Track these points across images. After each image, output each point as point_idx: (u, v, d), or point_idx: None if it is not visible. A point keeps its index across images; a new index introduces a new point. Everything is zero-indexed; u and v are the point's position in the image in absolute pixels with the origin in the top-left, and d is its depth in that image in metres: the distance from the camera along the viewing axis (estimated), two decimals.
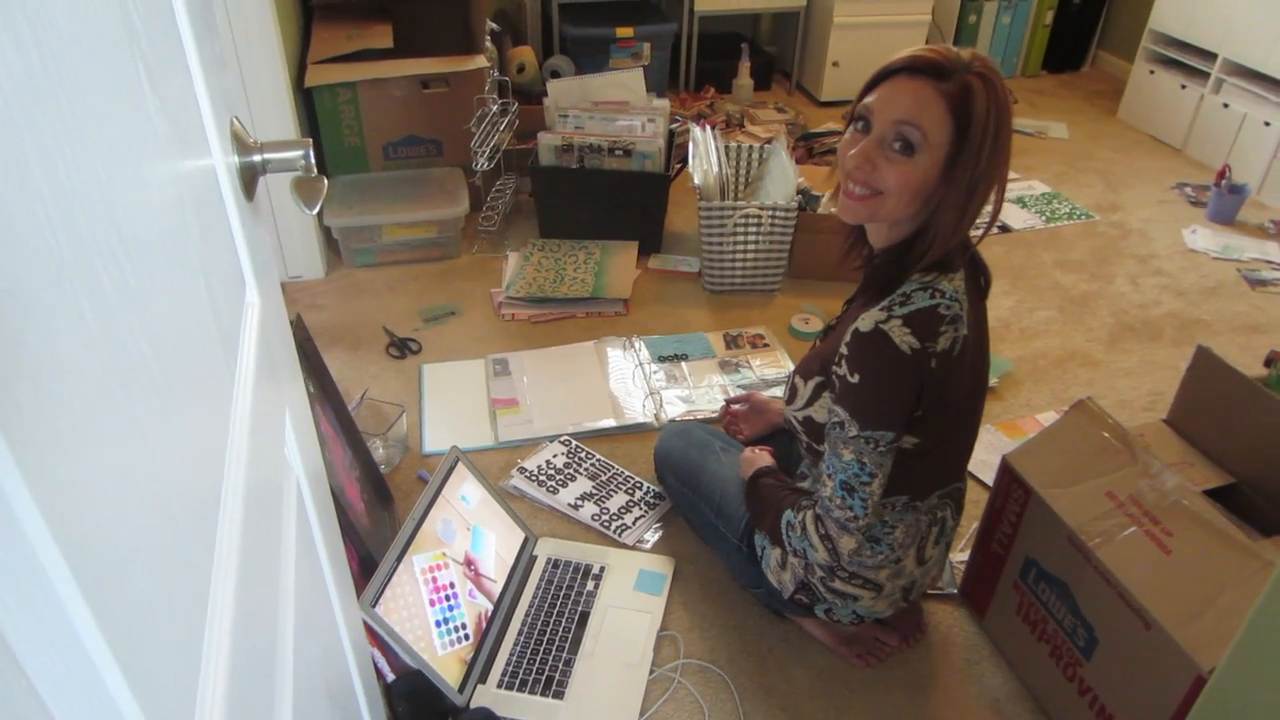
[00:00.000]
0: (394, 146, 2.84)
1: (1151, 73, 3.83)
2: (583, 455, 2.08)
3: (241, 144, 0.81)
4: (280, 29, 2.38)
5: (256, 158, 0.82)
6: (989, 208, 1.26)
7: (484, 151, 2.63)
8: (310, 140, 0.84)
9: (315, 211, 0.82)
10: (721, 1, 3.73)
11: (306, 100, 2.71)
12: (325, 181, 0.82)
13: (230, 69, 2.30)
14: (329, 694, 0.90)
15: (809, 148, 3.46)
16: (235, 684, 0.52)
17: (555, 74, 3.43)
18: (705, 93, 3.86)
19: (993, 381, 2.31)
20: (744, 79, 3.80)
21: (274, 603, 0.69)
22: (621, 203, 2.74)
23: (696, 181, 2.54)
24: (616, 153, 2.67)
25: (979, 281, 1.38)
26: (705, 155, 2.61)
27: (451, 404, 2.23)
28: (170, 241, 0.55)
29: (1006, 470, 1.55)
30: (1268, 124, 3.35)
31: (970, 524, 1.86)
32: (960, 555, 1.82)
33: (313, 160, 0.83)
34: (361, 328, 2.49)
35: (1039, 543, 1.50)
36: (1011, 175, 3.19)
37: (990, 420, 2.20)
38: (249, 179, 0.82)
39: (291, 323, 1.67)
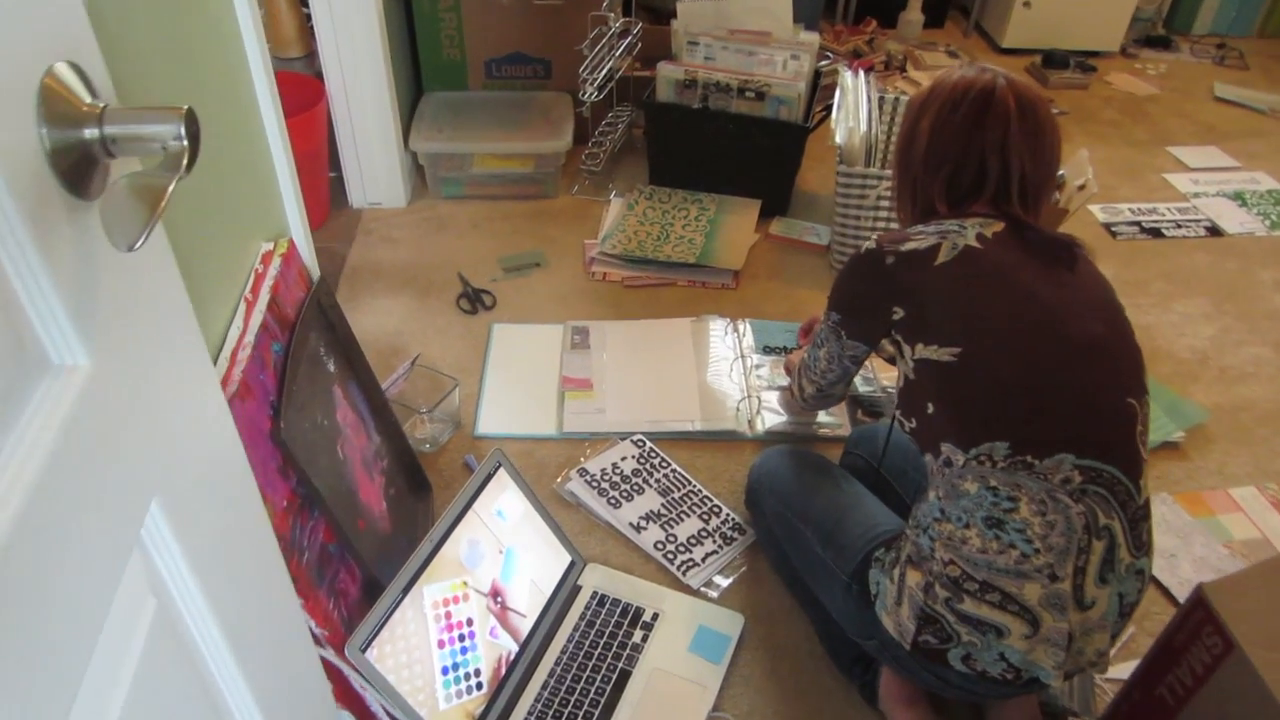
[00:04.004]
0: (497, 64, 2.51)
1: None
2: (656, 462, 1.76)
3: (62, 108, 0.49)
4: None
5: (92, 132, 0.51)
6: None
7: (594, 80, 2.27)
8: (188, 109, 0.51)
9: (127, 249, 0.50)
10: None
11: (404, 3, 2.40)
12: (168, 190, 0.49)
13: None
14: None
15: None
16: None
17: None
18: (866, 25, 3.34)
19: (1178, 434, 1.85)
20: (913, 13, 3.26)
21: None
22: (747, 153, 2.34)
23: (839, 140, 2.11)
24: (748, 94, 2.26)
25: (1032, 239, 1.25)
26: (854, 108, 2.17)
27: (517, 378, 1.93)
28: None
29: (1201, 604, 1.14)
30: None
31: (1141, 639, 1.45)
32: (1113, 673, 1.43)
33: (186, 142, 0.51)
34: (435, 271, 2.21)
35: (1233, 715, 1.10)
36: (1232, 164, 2.65)
37: (1168, 486, 1.75)
38: (78, 167, 0.51)
39: (314, 284, 1.39)
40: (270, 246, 1.27)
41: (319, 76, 2.21)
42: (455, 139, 2.34)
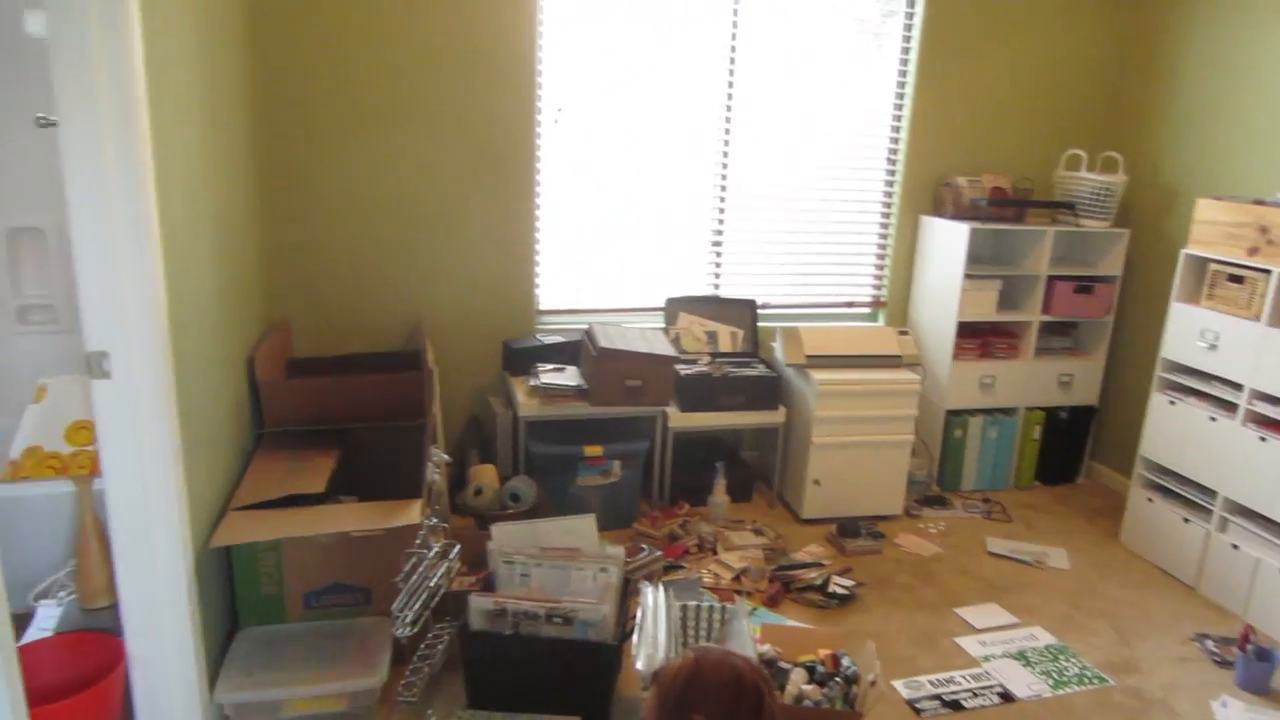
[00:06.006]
0: (317, 595, 2.59)
1: (1150, 500, 3.63)
2: None
3: None
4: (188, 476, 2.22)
5: None
6: None
7: (408, 615, 2.36)
8: None
9: None
10: (697, 419, 3.66)
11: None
12: None
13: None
14: None
15: (786, 582, 3.19)
16: None
17: (515, 497, 3.27)
18: (679, 509, 3.67)
19: None
20: (719, 495, 3.62)
21: None
22: (562, 673, 2.41)
23: (639, 666, 2.22)
24: (555, 620, 2.40)
25: None
26: (654, 628, 2.32)
27: None
28: None
29: None
30: None
31: None
32: None
33: None
34: None
35: None
36: (1012, 621, 2.91)
37: None
38: None
39: None
40: None
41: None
42: (265, 683, 2.33)
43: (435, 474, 2.90)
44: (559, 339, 3.78)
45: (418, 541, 2.50)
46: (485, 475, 3.29)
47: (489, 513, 3.19)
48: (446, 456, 3.00)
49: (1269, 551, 3.17)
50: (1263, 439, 3.17)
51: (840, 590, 3.13)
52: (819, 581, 3.16)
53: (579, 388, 3.48)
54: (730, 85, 3.86)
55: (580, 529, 2.71)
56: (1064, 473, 4.35)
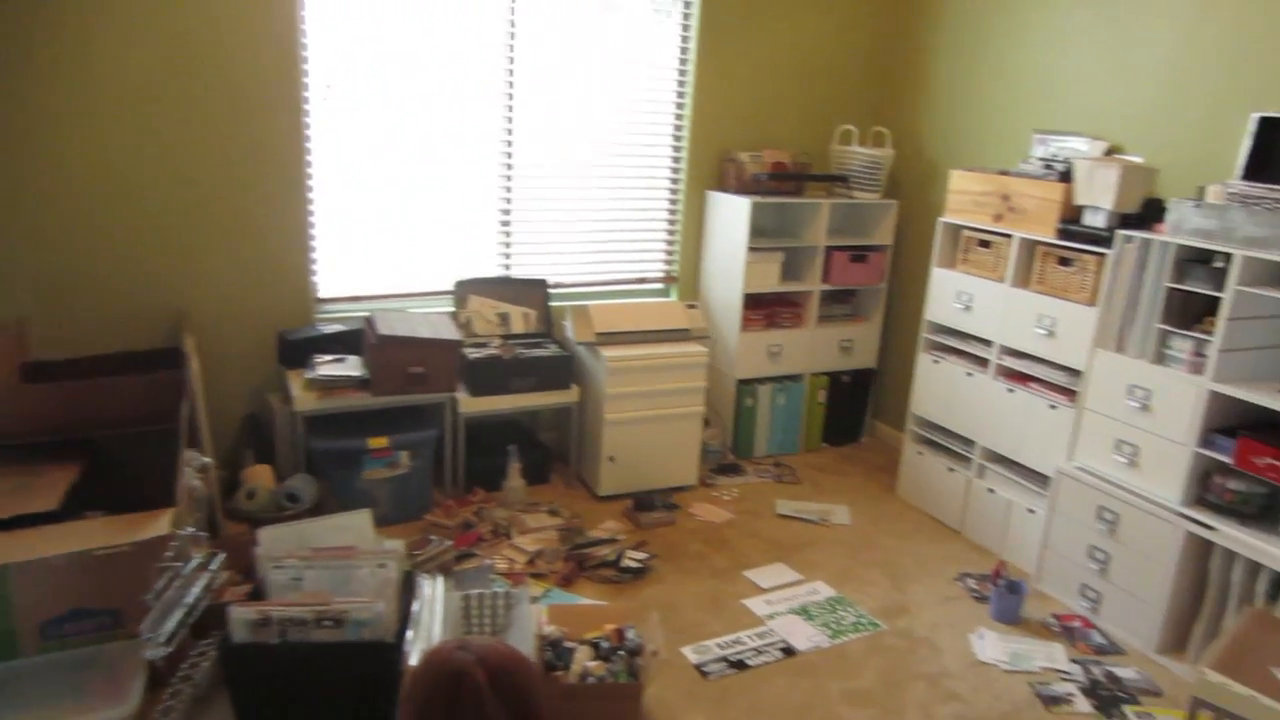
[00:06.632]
0: (56, 623, 2.36)
1: (920, 454, 3.89)
2: None
3: None
4: None
5: None
6: None
7: (159, 635, 2.19)
8: None
9: None
10: (489, 404, 3.59)
11: None
12: None
13: None
14: None
15: (580, 560, 3.20)
16: None
17: (293, 497, 3.10)
18: (473, 495, 3.60)
19: None
20: (514, 480, 3.58)
21: None
22: (340, 680, 2.30)
23: (413, 662, 2.16)
24: (325, 623, 2.29)
25: None
26: (430, 621, 2.26)
27: None
28: None
29: None
30: (1032, 511, 3.37)
31: None
32: None
33: None
34: None
35: None
36: (796, 579, 3.03)
37: None
38: None
39: None
40: None
41: None
42: None
43: (195, 480, 2.70)
44: (340, 328, 3.61)
45: (169, 554, 2.32)
46: (258, 476, 3.10)
47: (264, 516, 3.01)
48: (207, 459, 2.80)
49: (1018, 493, 3.46)
50: (1010, 390, 3.45)
51: (633, 564, 3.17)
52: (612, 557, 3.18)
53: (359, 378, 3.33)
54: (511, 60, 3.78)
55: (355, 525, 2.60)
56: (849, 433, 4.59)
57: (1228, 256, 2.69)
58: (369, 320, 3.45)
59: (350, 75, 3.53)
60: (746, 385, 4.24)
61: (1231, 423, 2.79)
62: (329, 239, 3.66)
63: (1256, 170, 2.93)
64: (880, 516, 3.81)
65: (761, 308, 4.23)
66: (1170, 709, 2.68)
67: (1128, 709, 2.67)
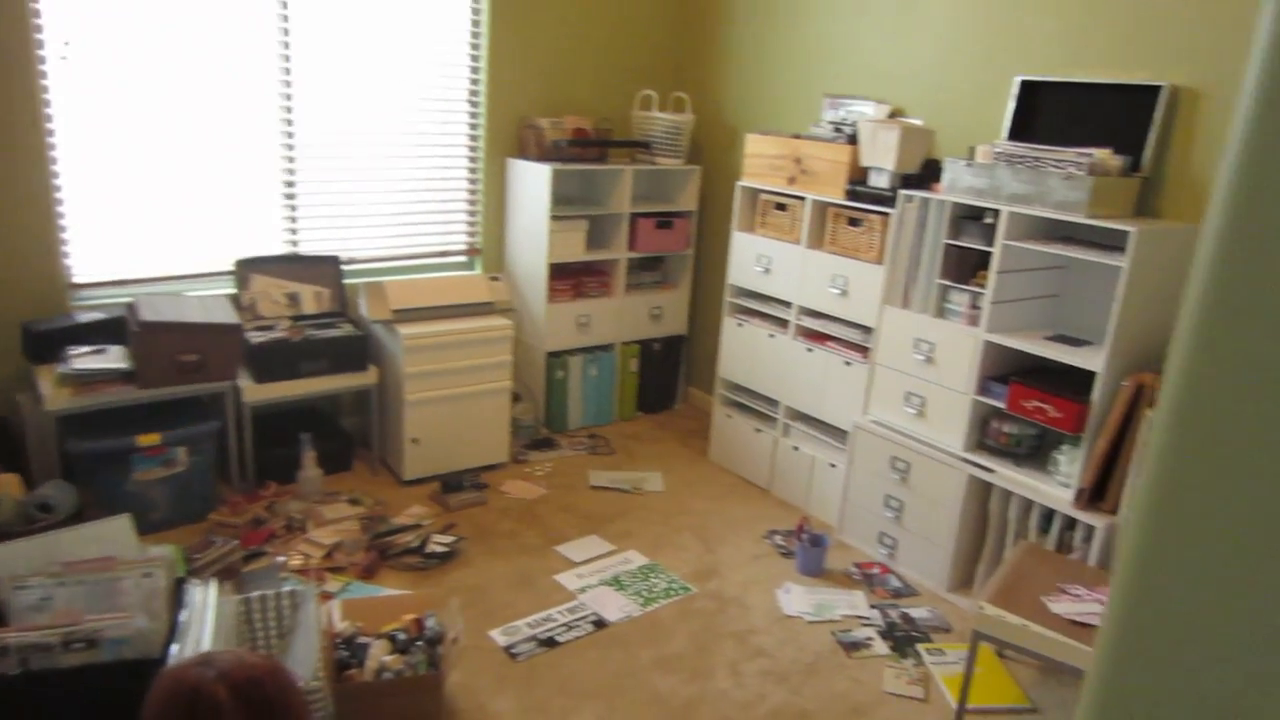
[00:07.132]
0: None
1: (729, 416, 3.94)
2: None
3: None
4: None
5: None
6: None
7: None
8: None
9: None
10: (277, 390, 3.34)
11: None
12: None
13: None
14: None
15: (382, 549, 3.04)
16: None
17: (46, 507, 2.77)
18: (265, 490, 3.35)
19: None
20: (310, 470, 3.36)
21: None
22: (99, 706, 2.06)
23: None
24: (76, 646, 2.04)
25: None
26: (198, 632, 2.06)
27: None
28: None
29: None
30: (833, 466, 3.48)
31: None
32: None
33: None
34: None
35: None
36: (609, 550, 2.99)
37: None
38: None
39: None
40: None
41: None
42: None
43: None
44: (101, 316, 3.24)
45: None
46: (3, 486, 2.74)
47: (10, 530, 2.67)
48: None
49: (821, 449, 3.57)
50: (809, 350, 3.54)
51: (439, 548, 3.05)
52: (417, 543, 3.04)
53: (123, 370, 3.01)
54: (285, 19, 3.49)
55: (112, 533, 2.33)
56: (663, 401, 4.61)
57: (997, 213, 2.84)
58: (131, 306, 3.12)
59: (95, 31, 3.15)
60: (557, 357, 4.17)
61: (1005, 371, 2.96)
62: (83, 217, 3.27)
63: (1020, 131, 3.11)
64: (693, 481, 3.85)
65: (568, 278, 4.15)
66: (959, 643, 2.84)
67: (921, 647, 2.81)
